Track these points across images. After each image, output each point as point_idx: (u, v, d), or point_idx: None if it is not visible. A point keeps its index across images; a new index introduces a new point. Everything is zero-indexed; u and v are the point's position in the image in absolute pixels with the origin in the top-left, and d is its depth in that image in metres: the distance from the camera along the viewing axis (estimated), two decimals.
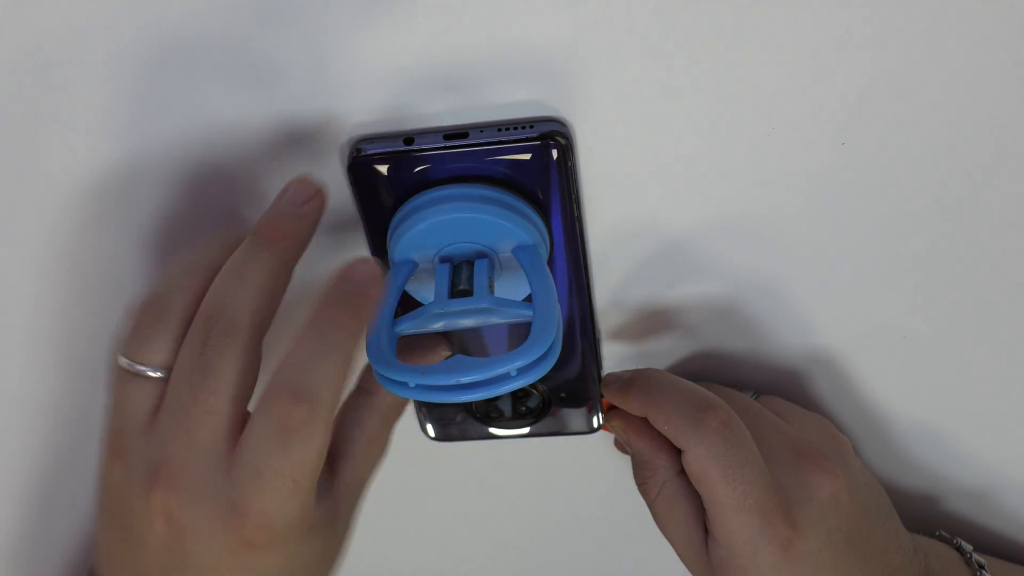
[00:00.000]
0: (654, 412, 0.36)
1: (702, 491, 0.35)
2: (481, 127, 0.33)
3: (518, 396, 0.41)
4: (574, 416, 0.42)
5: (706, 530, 0.37)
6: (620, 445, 0.44)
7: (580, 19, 0.30)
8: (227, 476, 0.28)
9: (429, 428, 0.44)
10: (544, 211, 0.34)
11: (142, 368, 0.29)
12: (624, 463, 0.46)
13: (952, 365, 0.40)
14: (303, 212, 0.31)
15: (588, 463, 0.47)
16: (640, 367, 0.39)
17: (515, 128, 0.32)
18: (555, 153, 0.32)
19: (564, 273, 0.36)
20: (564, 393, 0.41)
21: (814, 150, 0.33)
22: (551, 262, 0.35)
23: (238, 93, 0.32)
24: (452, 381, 0.30)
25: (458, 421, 0.43)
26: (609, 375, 0.39)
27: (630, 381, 0.38)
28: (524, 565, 0.53)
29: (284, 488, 0.28)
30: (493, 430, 0.43)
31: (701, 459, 0.34)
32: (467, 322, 0.33)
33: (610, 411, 0.41)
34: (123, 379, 0.30)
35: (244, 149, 0.34)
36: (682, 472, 0.38)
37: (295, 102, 0.32)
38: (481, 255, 0.33)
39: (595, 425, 0.42)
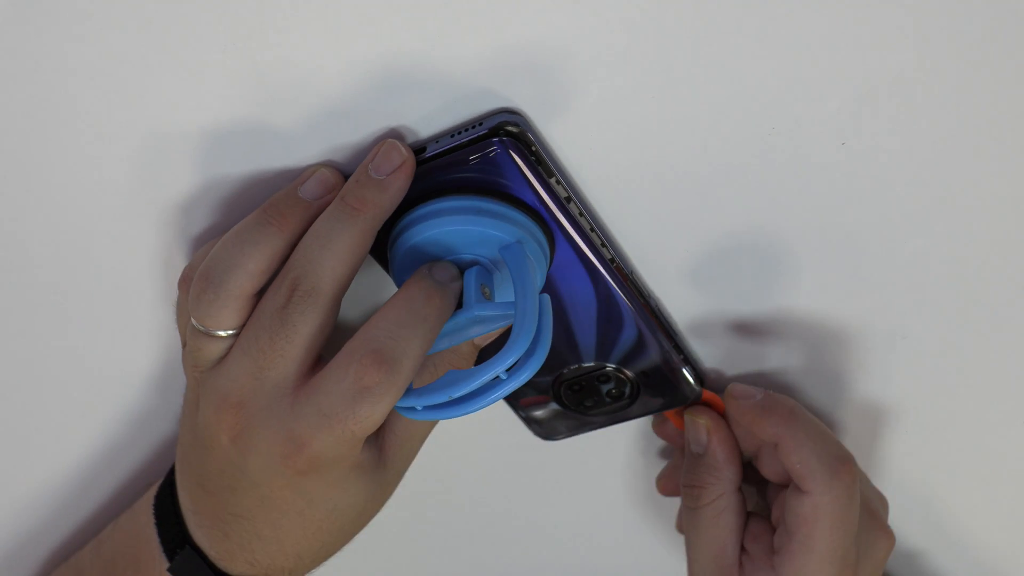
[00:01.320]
0: (790, 446, 0.36)
1: (799, 532, 0.35)
2: (437, 137, 0.32)
3: (606, 382, 0.41)
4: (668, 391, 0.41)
5: (743, 549, 0.38)
6: (664, 433, 0.43)
7: (580, 17, 0.28)
8: (291, 409, 0.31)
9: (533, 431, 0.43)
10: (527, 203, 0.33)
11: (214, 331, 0.32)
12: (623, 465, 0.46)
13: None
14: (388, 182, 0.31)
15: (592, 463, 0.47)
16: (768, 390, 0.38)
17: (467, 129, 0.31)
18: (509, 143, 0.31)
19: (588, 256, 0.35)
20: (646, 373, 0.40)
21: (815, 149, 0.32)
22: (564, 249, 0.34)
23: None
24: (445, 398, 0.30)
25: (557, 418, 0.42)
26: (738, 387, 0.39)
27: (767, 405, 0.37)
28: (525, 565, 0.53)
29: (342, 435, 0.30)
30: (595, 419, 0.42)
31: (821, 507, 0.35)
32: (471, 332, 0.33)
33: (700, 405, 0.40)
34: (196, 335, 0.33)
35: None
36: (740, 489, 0.39)
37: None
38: (472, 264, 0.33)
39: (695, 393, 0.40)
